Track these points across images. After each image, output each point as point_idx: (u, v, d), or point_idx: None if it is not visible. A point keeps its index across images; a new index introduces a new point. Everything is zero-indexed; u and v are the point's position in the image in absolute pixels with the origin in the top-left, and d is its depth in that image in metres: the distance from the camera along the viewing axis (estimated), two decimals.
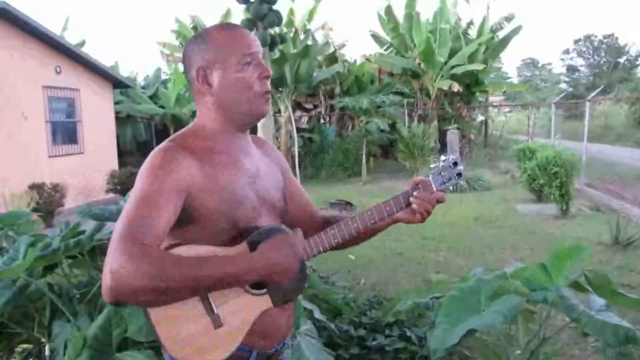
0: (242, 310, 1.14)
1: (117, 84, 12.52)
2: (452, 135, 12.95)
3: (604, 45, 44.07)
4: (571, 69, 46.41)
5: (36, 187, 8.45)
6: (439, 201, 1.28)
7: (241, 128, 1.25)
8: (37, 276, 2.46)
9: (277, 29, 10.37)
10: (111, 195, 10.76)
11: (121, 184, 10.40)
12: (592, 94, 12.36)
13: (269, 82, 1.24)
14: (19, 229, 3.04)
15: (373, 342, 2.91)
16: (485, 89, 17.15)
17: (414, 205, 1.26)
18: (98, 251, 2.58)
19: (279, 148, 7.48)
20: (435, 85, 15.49)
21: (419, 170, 12.60)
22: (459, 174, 1.31)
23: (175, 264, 0.99)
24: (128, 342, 2.15)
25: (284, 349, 1.30)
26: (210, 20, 23.93)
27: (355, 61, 17.63)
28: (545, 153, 8.28)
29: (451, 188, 1.38)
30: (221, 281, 1.04)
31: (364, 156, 13.49)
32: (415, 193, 1.27)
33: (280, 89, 13.45)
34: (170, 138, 1.20)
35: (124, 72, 17.11)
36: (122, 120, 14.44)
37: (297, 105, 16.48)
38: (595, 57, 45.07)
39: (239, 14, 13.52)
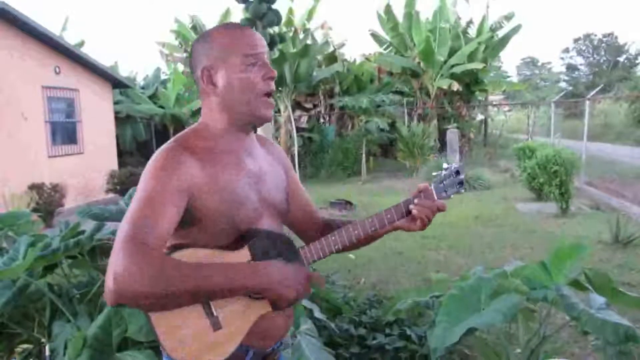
0: (241, 313, 1.15)
1: (117, 84, 12.52)
2: (452, 134, 12.97)
3: (603, 44, 44.08)
4: (571, 68, 46.40)
5: (36, 188, 8.44)
6: (439, 209, 1.30)
7: (244, 128, 1.24)
8: (37, 276, 2.46)
9: (276, 29, 10.34)
10: (111, 195, 10.76)
11: (121, 184, 10.39)
12: (592, 93, 12.34)
13: (273, 83, 1.23)
14: (19, 229, 3.04)
15: (373, 341, 2.91)
16: (484, 88, 17.15)
17: (415, 212, 1.29)
18: (98, 251, 2.59)
19: None
20: (435, 84, 15.49)
21: (419, 170, 12.61)
22: (461, 183, 1.35)
23: (176, 269, 1.00)
24: (128, 342, 2.15)
25: (280, 348, 1.31)
26: (210, 20, 23.89)
27: (354, 60, 17.64)
28: (545, 152, 8.28)
29: None
30: (222, 293, 1.07)
31: (363, 155, 13.48)
32: (416, 200, 1.30)
33: (279, 88, 13.43)
34: (173, 138, 1.20)
35: (123, 72, 17.11)
36: (122, 120, 14.43)
37: (296, 105, 16.49)
38: (595, 56, 45.07)
39: (238, 14, 13.57)
